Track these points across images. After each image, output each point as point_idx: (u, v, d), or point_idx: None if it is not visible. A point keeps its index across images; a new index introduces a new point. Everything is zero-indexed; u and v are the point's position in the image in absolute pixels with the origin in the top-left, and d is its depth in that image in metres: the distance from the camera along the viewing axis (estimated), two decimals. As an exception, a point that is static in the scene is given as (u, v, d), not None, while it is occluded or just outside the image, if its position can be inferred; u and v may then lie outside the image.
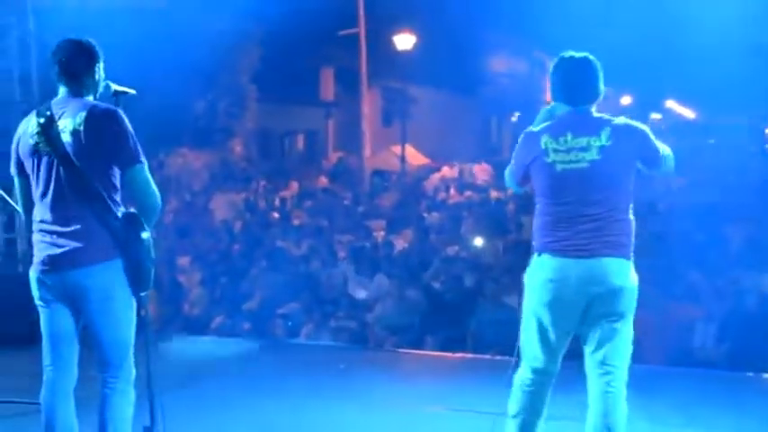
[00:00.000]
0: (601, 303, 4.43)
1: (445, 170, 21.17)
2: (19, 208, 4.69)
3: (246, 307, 10.52)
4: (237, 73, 22.45)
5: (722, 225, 10.52)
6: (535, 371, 4.59)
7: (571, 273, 4.40)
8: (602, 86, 4.60)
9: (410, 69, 26.01)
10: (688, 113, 39.75)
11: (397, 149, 26.79)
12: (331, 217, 14.37)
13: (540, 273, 4.49)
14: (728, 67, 20.49)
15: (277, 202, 16.81)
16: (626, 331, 4.52)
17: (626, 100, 45.54)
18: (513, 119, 36.01)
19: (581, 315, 4.47)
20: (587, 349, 4.56)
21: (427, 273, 10.58)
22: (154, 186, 4.37)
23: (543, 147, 4.46)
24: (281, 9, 17.04)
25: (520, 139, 4.64)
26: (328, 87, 30.85)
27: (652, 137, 4.54)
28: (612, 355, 4.52)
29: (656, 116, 39.78)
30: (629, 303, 4.49)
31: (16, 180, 4.54)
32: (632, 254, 4.52)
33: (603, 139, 4.39)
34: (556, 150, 4.43)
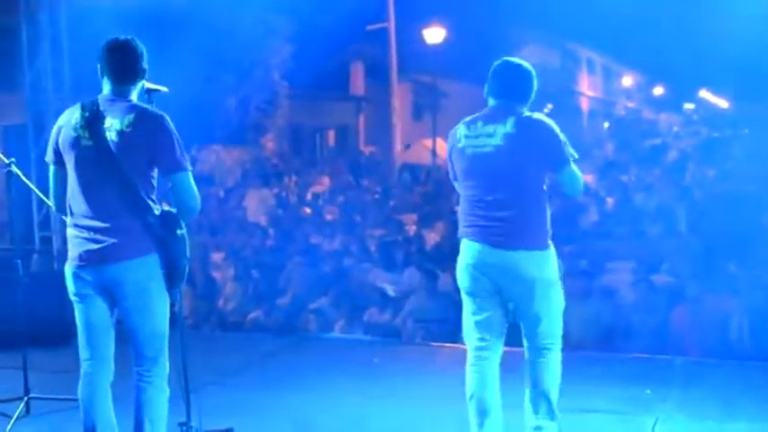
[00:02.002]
0: (512, 294, 4.81)
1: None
2: (50, 199, 4.69)
3: (280, 302, 10.54)
4: (268, 69, 22.49)
5: (758, 215, 10.40)
6: (477, 348, 4.93)
7: (483, 259, 4.77)
8: (530, 90, 4.92)
9: (440, 63, 25.94)
10: (722, 103, 39.39)
11: (428, 143, 26.74)
12: (363, 212, 14.35)
13: (461, 258, 4.90)
14: (763, 56, 20.23)
15: (309, 197, 16.80)
16: (550, 318, 4.85)
17: (658, 90, 45.33)
18: (546, 111, 35.90)
19: (501, 299, 4.84)
20: (523, 334, 4.94)
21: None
22: (196, 192, 4.40)
23: (458, 135, 4.89)
24: (311, 4, 17.03)
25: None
26: (358, 82, 30.82)
27: (561, 139, 4.74)
28: (541, 342, 4.87)
29: (689, 106, 39.50)
30: (545, 292, 4.78)
31: (51, 168, 4.56)
32: (548, 241, 4.80)
33: (508, 126, 4.70)
34: (467, 136, 4.84)
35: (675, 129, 27.13)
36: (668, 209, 11.55)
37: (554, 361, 4.92)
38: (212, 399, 5.70)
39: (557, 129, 4.76)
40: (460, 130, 4.90)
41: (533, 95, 4.94)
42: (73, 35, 9.11)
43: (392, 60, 24.97)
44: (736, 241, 9.29)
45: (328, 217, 14.31)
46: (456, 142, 4.91)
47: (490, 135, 4.74)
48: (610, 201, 13.17)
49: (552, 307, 4.85)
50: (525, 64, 4.96)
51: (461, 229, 4.92)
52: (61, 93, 9.18)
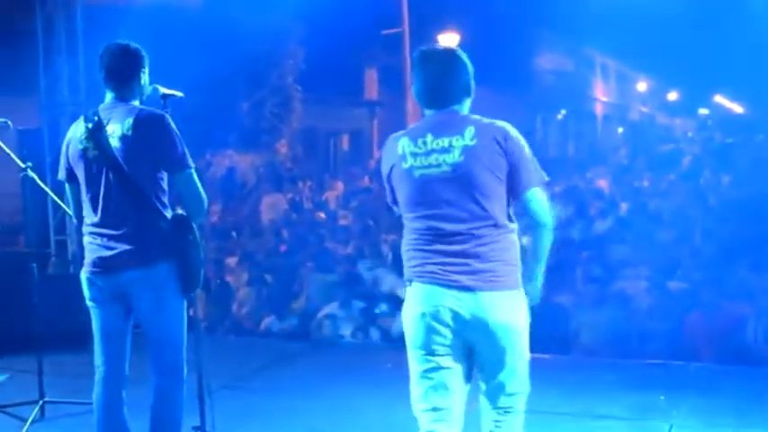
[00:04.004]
0: (480, 344, 3.85)
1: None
2: (72, 215, 4.74)
3: (294, 307, 10.55)
4: (282, 74, 22.52)
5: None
6: (431, 421, 3.98)
7: (443, 305, 3.79)
8: (470, 83, 3.94)
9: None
10: (737, 108, 39.29)
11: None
12: (376, 216, 14.36)
13: (410, 305, 3.92)
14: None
15: (324, 198, 16.83)
16: (517, 368, 3.91)
17: (673, 95, 45.25)
18: (559, 116, 35.84)
19: (463, 354, 3.91)
20: (480, 386, 3.99)
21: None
22: (201, 190, 4.41)
23: (401, 152, 3.86)
24: (325, 9, 17.05)
25: (383, 148, 4.06)
26: (372, 87, 30.84)
27: (526, 153, 3.80)
28: (505, 399, 3.95)
29: (703, 111, 39.43)
30: (516, 340, 3.84)
31: (67, 186, 4.60)
32: (518, 279, 3.86)
33: (467, 137, 3.74)
34: (414, 154, 3.82)
35: (690, 134, 27.10)
36: (683, 214, 11.52)
37: (517, 425, 4.01)
38: (226, 403, 5.70)
39: (524, 142, 3.84)
40: (403, 144, 3.87)
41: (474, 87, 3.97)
42: (89, 40, 9.16)
43: (406, 65, 24.97)
44: (751, 247, 9.26)
45: (342, 222, 14.32)
46: (398, 161, 3.87)
47: (446, 150, 3.76)
48: (624, 206, 13.15)
49: (521, 360, 3.91)
50: (454, 50, 3.98)
51: (408, 270, 3.92)
52: (77, 97, 9.22)
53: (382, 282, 10.67)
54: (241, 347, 9.05)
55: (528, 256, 3.94)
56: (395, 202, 4.02)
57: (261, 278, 11.46)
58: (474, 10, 23.68)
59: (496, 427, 3.97)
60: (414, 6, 24.42)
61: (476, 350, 3.89)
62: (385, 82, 29.42)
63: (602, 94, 41.96)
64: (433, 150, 3.79)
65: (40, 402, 6.14)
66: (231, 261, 12.22)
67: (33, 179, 5.97)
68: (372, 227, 13.55)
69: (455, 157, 3.75)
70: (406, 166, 3.84)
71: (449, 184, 3.76)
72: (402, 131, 3.98)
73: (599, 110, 41.68)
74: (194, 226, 4.43)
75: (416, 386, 4.00)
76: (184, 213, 4.43)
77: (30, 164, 5.97)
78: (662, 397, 6.37)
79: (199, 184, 4.40)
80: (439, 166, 3.77)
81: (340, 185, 18.31)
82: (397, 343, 9.19)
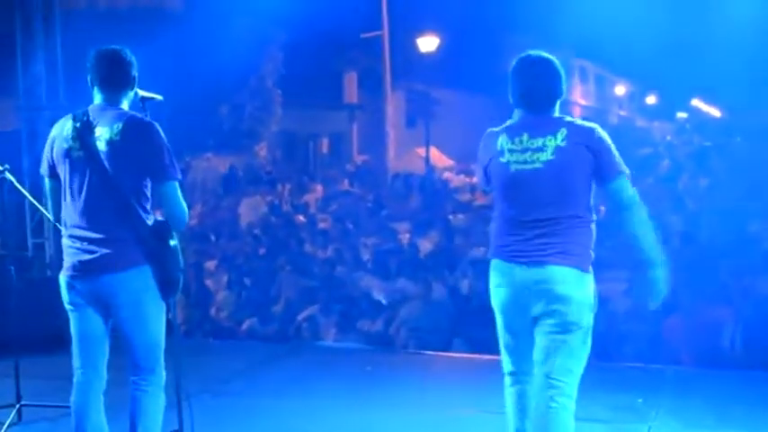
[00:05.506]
0: (545, 312, 4.23)
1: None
2: (48, 212, 4.72)
3: (273, 310, 10.54)
4: (262, 77, 22.48)
5: (750, 224, 10.42)
6: (510, 373, 4.52)
7: (517, 278, 4.28)
8: (563, 88, 4.36)
9: (434, 71, 25.96)
10: (714, 112, 39.50)
11: (421, 151, 26.75)
12: (356, 220, 14.36)
13: (492, 278, 4.45)
14: (756, 65, 20.31)
15: (304, 201, 16.80)
16: (575, 345, 4.26)
17: (651, 99, 45.46)
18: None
19: (531, 321, 4.32)
20: (535, 358, 4.34)
21: (454, 274, 10.54)
22: (183, 203, 4.40)
23: (499, 147, 4.33)
24: (305, 12, 17.05)
25: (481, 140, 4.50)
26: (352, 90, 30.84)
27: (612, 149, 4.26)
28: (559, 370, 4.25)
29: (681, 115, 39.62)
30: (578, 315, 4.22)
31: (47, 181, 4.58)
32: (590, 265, 4.29)
33: (559, 139, 4.21)
34: (511, 150, 4.29)
35: (668, 138, 27.17)
36: (661, 218, 11.57)
37: (568, 411, 4.31)
38: (206, 406, 5.69)
39: (609, 139, 4.27)
40: (502, 140, 4.32)
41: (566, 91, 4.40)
42: (67, 43, 9.12)
43: (386, 68, 25.02)
44: (730, 250, 9.31)
45: (321, 225, 14.31)
46: (496, 155, 4.33)
47: (540, 149, 4.23)
48: (603, 209, 13.18)
49: (579, 338, 4.25)
50: (549, 59, 4.35)
51: (492, 248, 4.45)
52: (55, 100, 9.16)
53: (362, 285, 10.68)
54: (220, 351, 9.03)
55: (636, 244, 4.47)
56: (488, 184, 4.51)
57: (240, 282, 11.44)
58: (453, 13, 23.72)
59: (548, 407, 4.24)
60: (393, 10, 24.46)
61: (538, 322, 4.29)
62: (365, 85, 29.43)
63: (580, 98, 42.12)
64: (528, 149, 4.26)
65: (18, 406, 6.10)
66: (210, 264, 12.20)
67: (11, 181, 5.94)
68: (351, 230, 13.55)
69: (548, 155, 4.22)
70: (503, 160, 4.32)
71: (539, 179, 4.23)
72: (500, 127, 4.43)
73: (578, 113, 41.83)
74: (174, 233, 4.42)
75: (501, 349, 4.55)
76: (166, 220, 4.42)
77: (7, 166, 5.94)
78: (640, 399, 6.40)
79: (181, 197, 4.38)
80: (533, 162, 4.24)
81: (319, 189, 18.30)
82: (376, 345, 9.25)
